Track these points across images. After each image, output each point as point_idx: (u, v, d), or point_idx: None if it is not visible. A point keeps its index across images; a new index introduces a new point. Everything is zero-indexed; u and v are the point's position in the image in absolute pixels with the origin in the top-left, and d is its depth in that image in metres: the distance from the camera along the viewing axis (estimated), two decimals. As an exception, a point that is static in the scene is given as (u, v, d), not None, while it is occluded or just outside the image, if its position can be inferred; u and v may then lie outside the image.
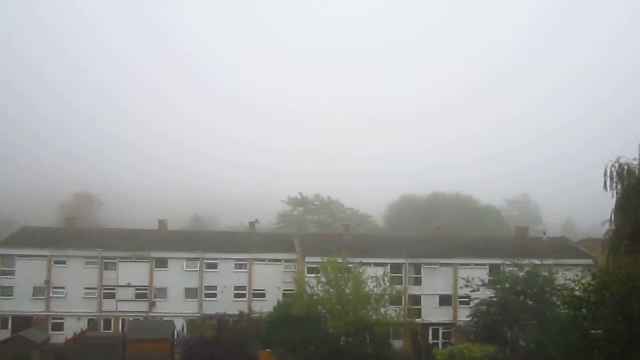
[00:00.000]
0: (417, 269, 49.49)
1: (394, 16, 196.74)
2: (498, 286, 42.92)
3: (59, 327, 48.33)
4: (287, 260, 51.57)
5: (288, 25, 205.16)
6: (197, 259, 50.85)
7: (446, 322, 48.68)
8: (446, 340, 47.24)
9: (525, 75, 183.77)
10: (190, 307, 50.07)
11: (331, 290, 37.93)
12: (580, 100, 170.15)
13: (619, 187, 29.76)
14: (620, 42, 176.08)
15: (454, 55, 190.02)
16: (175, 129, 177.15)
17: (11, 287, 48.71)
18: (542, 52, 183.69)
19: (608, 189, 30.03)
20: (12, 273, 48.96)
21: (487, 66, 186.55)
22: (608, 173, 30.00)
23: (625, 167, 29.75)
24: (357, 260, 42.16)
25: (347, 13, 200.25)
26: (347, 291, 37.87)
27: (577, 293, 25.22)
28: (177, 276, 50.48)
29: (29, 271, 48.78)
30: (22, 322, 47.06)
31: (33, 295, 48.81)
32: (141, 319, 48.70)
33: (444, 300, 49.27)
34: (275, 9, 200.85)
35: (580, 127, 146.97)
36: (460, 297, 47.98)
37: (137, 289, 50.09)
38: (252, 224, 59.18)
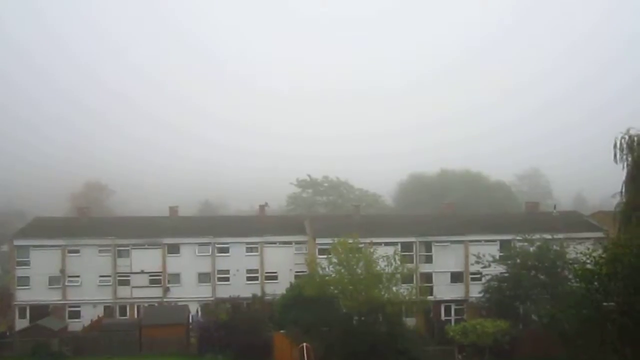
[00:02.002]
0: (428, 246, 49.56)
1: None
2: (509, 262, 42.90)
3: (75, 315, 49.05)
4: (298, 243, 51.81)
5: (284, 4, 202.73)
6: (208, 243, 51.24)
7: (458, 298, 48.84)
8: (459, 317, 47.46)
9: (527, 42, 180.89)
10: (203, 292, 50.59)
11: (343, 270, 38.06)
12: (583, 66, 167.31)
13: (629, 158, 29.52)
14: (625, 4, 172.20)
15: (454, 23, 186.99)
16: (180, 116, 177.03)
17: (27, 277, 49.36)
18: (545, 17, 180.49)
19: (618, 161, 29.77)
20: (27, 263, 49.59)
21: (488, 33, 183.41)
22: (618, 145, 29.74)
23: (635, 138, 29.47)
24: (368, 240, 42.23)
25: None
26: (359, 271, 37.96)
27: (588, 266, 25.21)
28: (189, 261, 50.93)
29: (44, 261, 49.36)
30: (39, 311, 47.82)
31: (49, 285, 49.45)
32: (156, 304, 49.30)
33: (456, 277, 49.38)
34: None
35: (585, 94, 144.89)
36: (472, 273, 48.05)
37: (150, 276, 50.64)
38: (262, 207, 59.41)
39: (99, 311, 49.18)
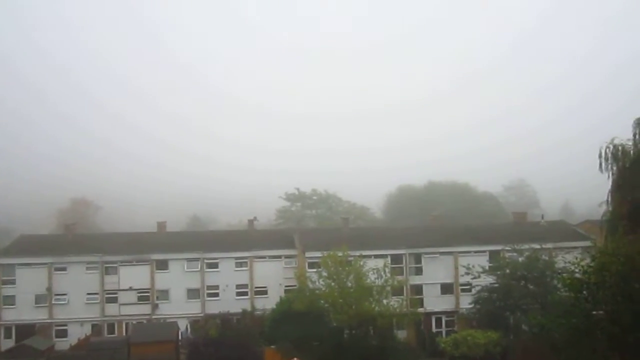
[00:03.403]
0: (418, 258, 49.62)
1: (389, 9, 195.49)
2: (499, 272, 43.08)
3: (62, 333, 48.35)
4: (287, 257, 51.63)
5: (279, 25, 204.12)
6: (197, 259, 50.88)
7: (449, 310, 48.84)
8: (449, 329, 47.44)
9: (521, 67, 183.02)
10: (193, 308, 50.14)
11: (333, 284, 38.02)
12: (573, 90, 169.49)
13: (615, 168, 29.76)
14: (616, 27, 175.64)
15: (448, 48, 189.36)
16: (167, 131, 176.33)
17: (13, 296, 48.69)
18: (542, 42, 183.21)
19: (603, 170, 30.04)
20: (13, 282, 48.92)
21: (482, 59, 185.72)
22: (603, 154, 29.98)
23: (620, 147, 29.75)
24: (357, 253, 42.22)
25: (342, 10, 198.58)
26: (349, 284, 37.95)
27: (577, 275, 25.32)
28: (178, 277, 50.51)
29: (30, 279, 48.75)
30: (25, 330, 47.11)
31: (35, 304, 48.79)
32: (145, 321, 48.74)
33: (446, 288, 49.42)
34: (265, 9, 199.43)
35: (574, 116, 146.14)
36: (462, 284, 48.13)
37: (139, 292, 50.13)
38: (250, 221, 59.25)
39: (87, 329, 48.52)
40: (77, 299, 49.19)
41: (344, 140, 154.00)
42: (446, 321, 48.55)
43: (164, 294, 50.40)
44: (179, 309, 49.70)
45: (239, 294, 50.61)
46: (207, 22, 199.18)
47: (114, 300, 49.74)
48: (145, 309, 49.88)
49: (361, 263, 39.61)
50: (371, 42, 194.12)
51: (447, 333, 45.49)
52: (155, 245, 51.90)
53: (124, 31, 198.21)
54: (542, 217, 59.98)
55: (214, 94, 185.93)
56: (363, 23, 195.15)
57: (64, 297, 49.20)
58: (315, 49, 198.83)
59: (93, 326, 48.98)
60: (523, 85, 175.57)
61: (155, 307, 49.99)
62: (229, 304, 48.66)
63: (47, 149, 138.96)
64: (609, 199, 30.13)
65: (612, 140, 29.92)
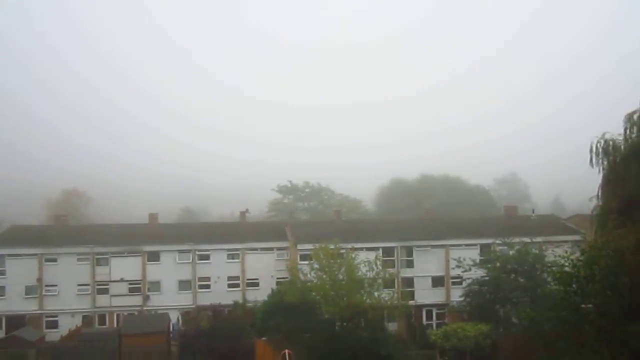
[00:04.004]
0: (409, 251, 49.81)
1: (388, 5, 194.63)
2: (489, 265, 43.28)
3: (53, 324, 48.25)
4: (279, 249, 51.71)
5: (277, 20, 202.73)
6: (189, 251, 50.84)
7: (439, 303, 49.12)
8: (440, 321, 47.72)
9: (518, 65, 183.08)
10: (184, 299, 50.15)
11: (324, 276, 38.05)
12: (567, 89, 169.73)
13: (605, 162, 29.96)
14: (610, 28, 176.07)
15: (447, 44, 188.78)
16: (162, 122, 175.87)
17: (3, 286, 48.52)
18: (534, 43, 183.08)
19: (594, 165, 30.23)
20: (3, 273, 48.74)
21: (480, 56, 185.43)
22: (594, 149, 30.17)
23: (611, 142, 29.94)
24: (349, 245, 42.31)
25: (341, 6, 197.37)
26: (341, 277, 37.99)
27: (567, 269, 25.54)
28: (170, 269, 50.48)
29: (20, 270, 48.54)
30: (16, 321, 46.92)
31: (26, 294, 48.62)
32: (136, 313, 48.71)
33: (437, 281, 49.69)
34: (265, 4, 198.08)
35: (568, 114, 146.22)
36: (453, 277, 48.40)
37: (130, 284, 50.07)
38: (242, 213, 59.22)
39: (78, 321, 48.44)
40: (67, 290, 49.05)
41: (340, 135, 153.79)
42: (437, 314, 48.85)
43: (156, 286, 50.36)
44: (171, 301, 49.70)
45: (230, 285, 50.66)
46: (207, 18, 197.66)
47: (105, 291, 49.65)
48: (136, 300, 49.84)
49: (353, 255, 39.66)
50: (370, 38, 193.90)
51: (438, 325, 45.71)
52: (146, 236, 51.79)
53: (124, 25, 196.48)
54: (533, 211, 60.25)
55: (209, 85, 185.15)
56: (362, 19, 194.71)
57: (55, 288, 49.06)
58: (314, 45, 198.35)
59: (84, 317, 48.90)
60: (519, 83, 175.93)
61: (146, 298, 49.94)
62: (221, 295, 48.68)
63: (39, 137, 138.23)
64: (599, 194, 30.32)
65: (603, 135, 30.09)
